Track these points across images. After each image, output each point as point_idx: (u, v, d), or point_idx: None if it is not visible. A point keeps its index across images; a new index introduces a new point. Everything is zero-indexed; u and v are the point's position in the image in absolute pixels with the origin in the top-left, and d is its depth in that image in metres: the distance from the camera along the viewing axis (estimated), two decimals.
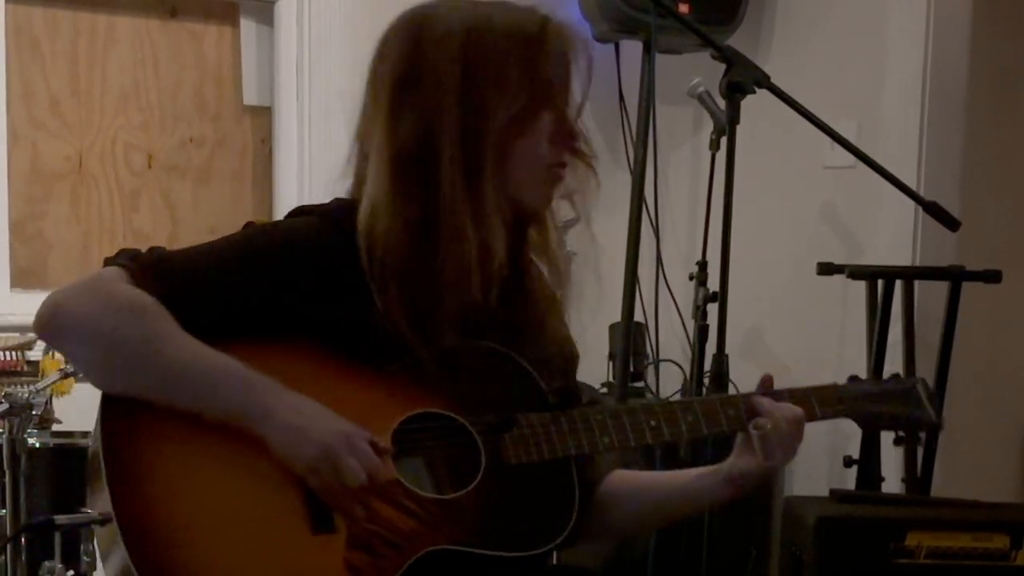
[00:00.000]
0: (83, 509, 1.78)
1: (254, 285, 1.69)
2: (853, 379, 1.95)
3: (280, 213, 3.84)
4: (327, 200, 1.82)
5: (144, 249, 1.73)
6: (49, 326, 1.67)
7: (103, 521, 1.64)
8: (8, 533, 2.62)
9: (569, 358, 1.89)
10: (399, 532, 1.65)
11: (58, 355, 2.93)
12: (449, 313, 1.72)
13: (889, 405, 1.92)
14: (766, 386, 1.86)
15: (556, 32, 1.74)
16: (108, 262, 1.70)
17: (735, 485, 1.83)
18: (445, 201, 1.70)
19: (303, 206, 1.82)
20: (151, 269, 1.67)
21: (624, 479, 1.94)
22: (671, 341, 3.86)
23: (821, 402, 1.87)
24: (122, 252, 1.71)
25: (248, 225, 1.81)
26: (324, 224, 1.75)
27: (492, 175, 1.72)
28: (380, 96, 1.74)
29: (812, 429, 1.92)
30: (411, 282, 1.71)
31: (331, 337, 1.71)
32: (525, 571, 1.72)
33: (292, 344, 1.70)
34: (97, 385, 1.67)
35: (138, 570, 1.55)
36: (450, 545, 1.66)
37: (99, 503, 1.65)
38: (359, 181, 1.79)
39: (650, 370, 3.90)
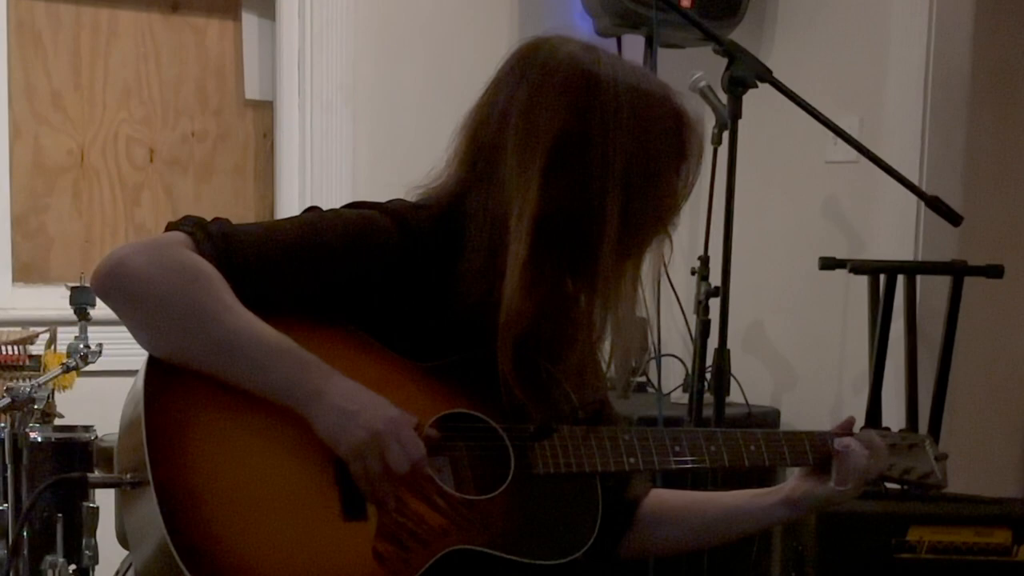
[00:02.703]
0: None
1: (316, 277, 1.70)
2: (864, 430, 1.98)
3: (281, 207, 3.85)
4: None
5: (208, 219, 1.72)
6: (107, 283, 1.64)
7: (135, 483, 1.63)
8: (10, 529, 2.62)
9: (600, 374, 1.91)
10: (427, 527, 1.66)
11: (60, 349, 2.93)
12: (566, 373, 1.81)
13: (897, 458, 1.96)
14: (845, 428, 1.92)
15: (697, 131, 1.79)
16: (172, 226, 1.69)
17: (794, 507, 1.89)
18: (598, 290, 1.75)
19: (362, 201, 1.81)
20: (216, 240, 1.66)
21: (673, 497, 1.98)
22: (673, 336, 3.86)
23: None
24: (187, 219, 1.70)
25: (311, 209, 1.80)
26: (392, 222, 1.75)
27: (632, 266, 1.78)
28: (536, 150, 1.73)
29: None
30: (527, 351, 1.76)
31: (376, 327, 1.72)
32: None
33: (336, 328, 1.71)
34: (147, 347, 1.66)
35: (170, 533, 1.54)
36: (474, 546, 1.68)
37: (132, 464, 1.63)
38: (451, 191, 1.80)
39: (652, 365, 3.89)
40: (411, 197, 1.83)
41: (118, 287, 1.64)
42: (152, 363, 1.65)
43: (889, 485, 3.41)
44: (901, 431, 2.01)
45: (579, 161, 1.72)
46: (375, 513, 1.65)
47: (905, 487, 1.98)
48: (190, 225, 1.68)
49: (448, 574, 1.66)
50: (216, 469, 1.61)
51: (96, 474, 1.87)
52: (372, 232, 1.73)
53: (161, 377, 1.64)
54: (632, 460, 1.80)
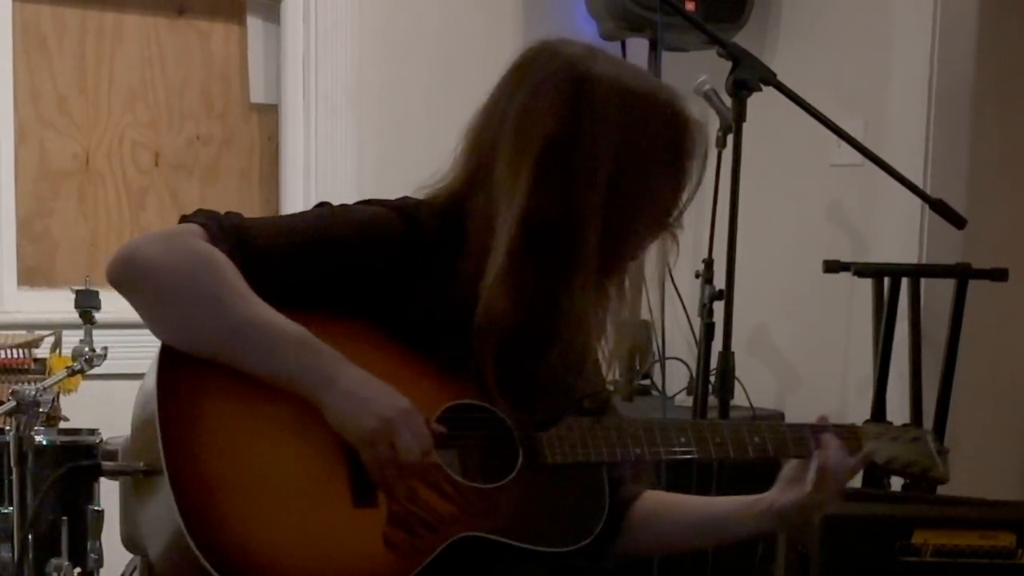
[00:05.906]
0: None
1: (326, 268, 1.73)
2: (865, 424, 1.98)
3: (286, 211, 3.84)
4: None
5: (222, 213, 1.75)
6: (122, 272, 1.67)
7: (148, 472, 1.65)
8: (15, 533, 2.62)
9: (599, 369, 1.92)
10: (437, 515, 1.69)
11: (65, 352, 2.94)
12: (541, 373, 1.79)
13: (898, 451, 1.95)
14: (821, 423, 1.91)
15: (696, 133, 1.78)
16: (186, 219, 1.72)
17: (778, 517, 1.87)
18: (576, 291, 1.75)
19: (371, 199, 1.84)
20: (229, 231, 1.70)
21: (661, 500, 1.98)
22: (677, 339, 3.86)
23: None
24: (200, 212, 1.73)
25: (322, 205, 1.83)
26: (399, 217, 1.78)
27: (622, 267, 1.80)
28: (526, 154, 1.73)
29: None
30: (513, 350, 1.76)
31: (388, 320, 1.75)
32: (550, 567, 1.76)
33: (349, 320, 1.74)
34: (161, 336, 1.68)
35: (184, 519, 1.56)
36: (483, 533, 1.70)
37: (145, 454, 1.66)
38: (454, 195, 1.82)
39: (656, 368, 3.90)
40: (418, 196, 1.85)
41: (132, 276, 1.67)
42: (164, 354, 1.67)
43: (894, 487, 3.43)
44: (903, 425, 2.01)
45: (568, 164, 1.73)
46: (385, 500, 1.67)
47: (908, 480, 1.97)
48: (203, 217, 1.71)
49: (457, 560, 1.68)
50: (229, 457, 1.63)
51: (109, 463, 1.88)
52: (379, 226, 1.76)
53: (174, 368, 1.66)
54: (638, 450, 1.81)
